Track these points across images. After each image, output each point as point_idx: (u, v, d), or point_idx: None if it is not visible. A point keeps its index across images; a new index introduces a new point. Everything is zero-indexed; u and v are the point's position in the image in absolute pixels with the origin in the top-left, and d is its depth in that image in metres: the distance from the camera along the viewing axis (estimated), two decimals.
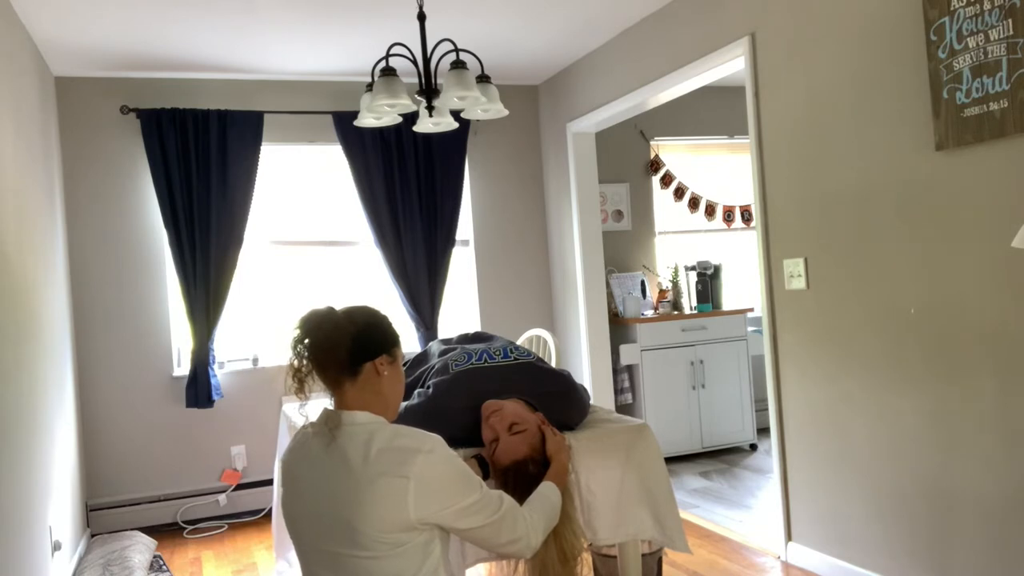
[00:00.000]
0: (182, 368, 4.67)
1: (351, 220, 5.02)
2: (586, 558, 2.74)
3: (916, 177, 2.75)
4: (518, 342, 3.50)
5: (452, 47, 2.97)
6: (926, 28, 2.62)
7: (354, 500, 1.54)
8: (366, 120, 3.06)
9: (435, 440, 1.61)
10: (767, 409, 3.57)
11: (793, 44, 3.24)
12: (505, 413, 2.08)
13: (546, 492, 1.91)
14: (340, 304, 1.73)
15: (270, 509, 4.61)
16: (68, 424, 3.98)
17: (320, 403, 1.73)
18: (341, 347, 1.63)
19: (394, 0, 3.68)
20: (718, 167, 6.06)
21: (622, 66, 4.44)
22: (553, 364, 3.55)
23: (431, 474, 1.57)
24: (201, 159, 4.56)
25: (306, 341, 1.64)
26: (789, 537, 3.46)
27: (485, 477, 2.09)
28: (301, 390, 1.65)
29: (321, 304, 1.71)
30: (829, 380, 3.18)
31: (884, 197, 2.88)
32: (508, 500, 1.73)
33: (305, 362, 1.64)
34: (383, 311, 1.74)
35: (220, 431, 4.70)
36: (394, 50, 4.10)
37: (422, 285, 4.97)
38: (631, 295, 5.40)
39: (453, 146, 5.04)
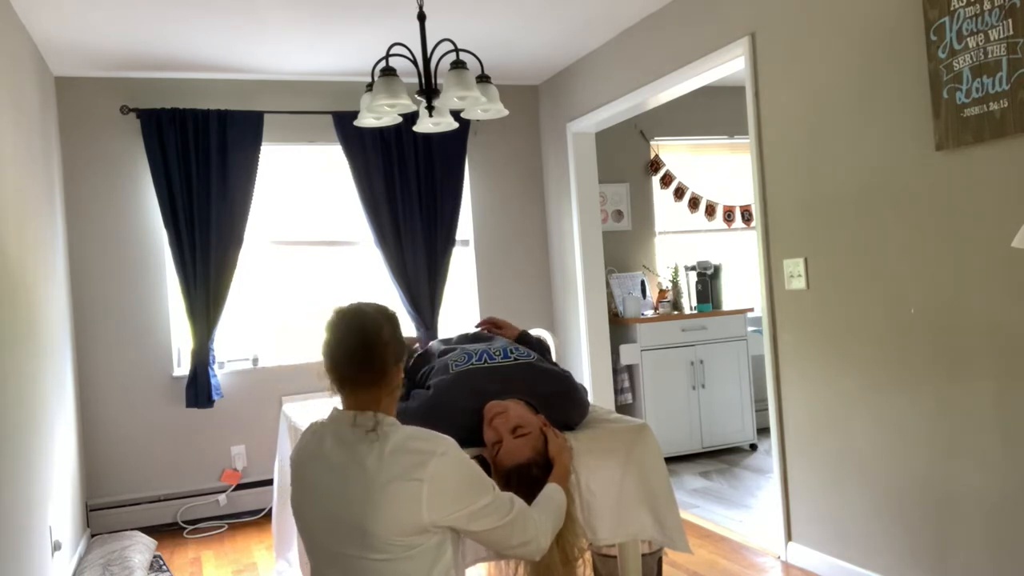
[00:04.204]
0: (182, 368, 4.67)
1: (351, 220, 5.02)
2: (586, 558, 2.74)
3: (916, 177, 2.75)
4: None
5: (452, 47, 2.97)
6: (926, 28, 2.62)
7: (367, 503, 1.54)
8: (366, 120, 3.06)
9: (448, 442, 1.61)
10: (767, 409, 3.57)
11: (793, 44, 3.24)
12: (509, 416, 2.07)
13: (552, 494, 1.91)
14: (340, 303, 1.73)
15: (270, 509, 4.60)
16: (68, 424, 3.98)
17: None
18: (388, 350, 1.65)
19: (394, 0, 3.68)
20: (718, 167, 6.06)
21: (622, 66, 4.44)
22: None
23: (445, 477, 1.56)
24: (201, 159, 4.55)
25: (351, 344, 1.64)
26: (789, 537, 3.46)
27: None
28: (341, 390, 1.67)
29: (346, 304, 1.71)
30: (829, 380, 3.18)
31: (884, 197, 2.88)
32: (519, 502, 1.73)
33: (344, 364, 1.64)
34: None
35: (220, 431, 4.69)
36: (394, 50, 4.09)
37: (422, 285, 4.97)
38: (631, 295, 5.40)
39: (453, 146, 5.04)
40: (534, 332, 4.03)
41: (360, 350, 1.63)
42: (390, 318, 1.70)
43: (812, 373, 3.27)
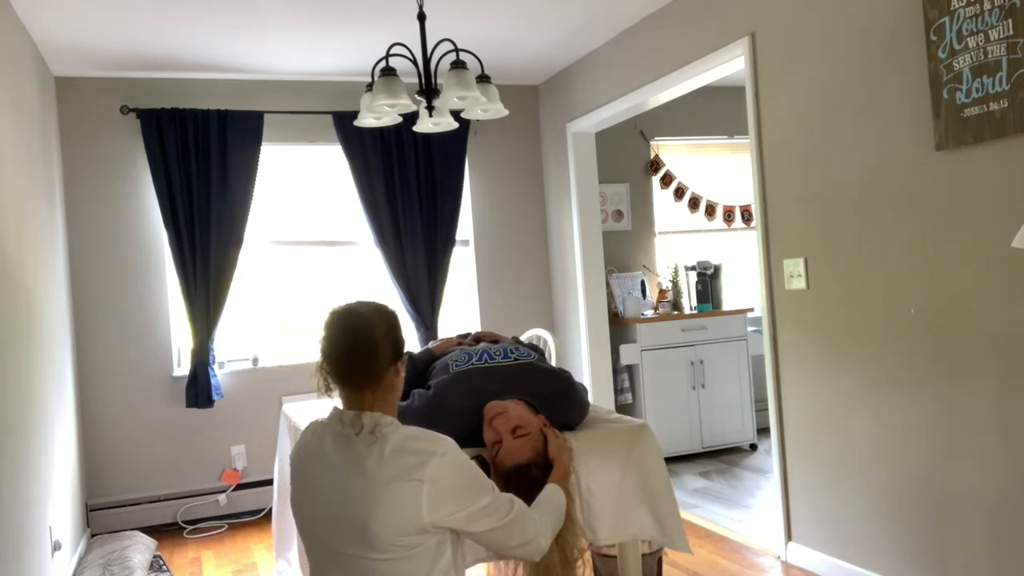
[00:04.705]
0: (182, 368, 4.67)
1: (351, 220, 5.02)
2: (586, 558, 2.74)
3: (916, 177, 2.75)
4: None
5: (452, 47, 2.97)
6: (926, 28, 2.62)
7: (368, 502, 1.54)
8: (366, 120, 3.06)
9: (448, 443, 1.61)
10: (767, 409, 3.57)
11: (793, 44, 3.24)
12: (509, 416, 2.07)
13: (552, 495, 1.91)
14: (339, 303, 1.72)
15: (270, 509, 4.61)
16: (68, 424, 3.98)
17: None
18: (382, 350, 1.64)
19: (394, 0, 3.68)
20: (718, 167, 6.06)
21: (622, 66, 4.44)
22: (553, 364, 3.55)
23: (445, 477, 1.57)
24: (201, 159, 4.55)
25: (345, 344, 1.63)
26: (789, 537, 3.46)
27: None
28: (331, 389, 1.66)
29: (343, 304, 1.71)
30: (829, 380, 3.18)
31: (884, 197, 2.88)
32: (519, 503, 1.73)
33: (339, 364, 1.64)
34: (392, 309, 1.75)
35: (220, 431, 4.69)
36: (394, 50, 4.10)
37: (422, 285, 4.97)
38: (631, 295, 5.40)
39: (453, 146, 5.04)
40: (534, 332, 4.04)
41: (351, 351, 1.63)
42: (387, 318, 1.69)
43: (812, 373, 3.27)
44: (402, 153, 4.93)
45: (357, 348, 1.62)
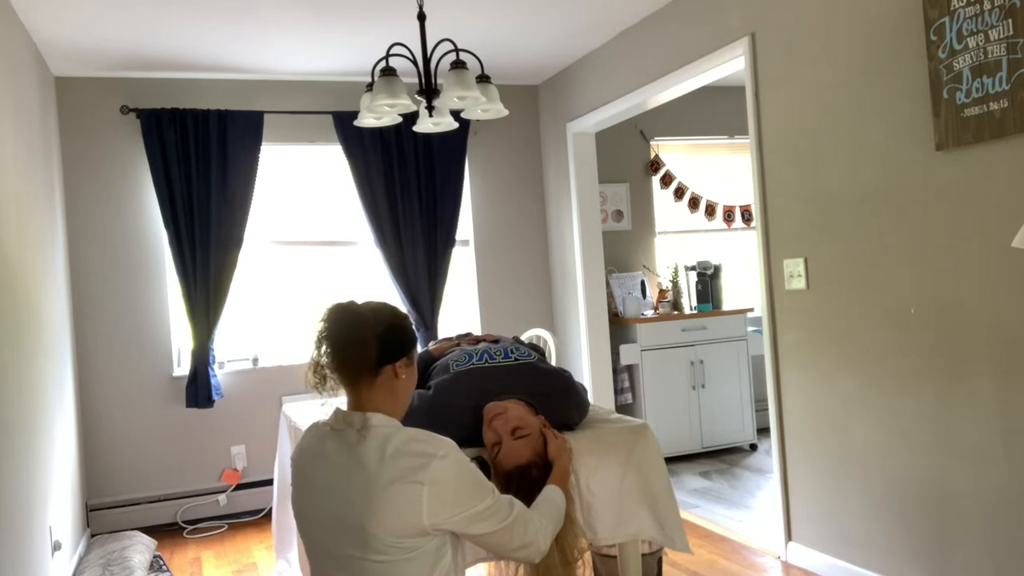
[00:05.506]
0: (182, 368, 4.67)
1: (351, 220, 5.02)
2: (586, 558, 2.74)
3: (916, 177, 2.75)
4: None
5: (452, 47, 2.97)
6: (926, 28, 2.62)
7: (368, 504, 1.54)
8: (366, 120, 3.06)
9: (449, 445, 1.61)
10: (767, 409, 3.57)
11: (793, 44, 3.24)
12: (509, 416, 2.07)
13: (552, 496, 1.91)
14: (357, 299, 1.72)
15: (270, 509, 4.61)
16: (68, 424, 3.98)
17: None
18: (368, 347, 1.62)
19: (394, 0, 3.68)
20: (718, 167, 6.06)
21: (622, 66, 4.44)
22: (553, 364, 3.54)
23: (445, 479, 1.56)
24: (201, 159, 4.55)
25: (332, 338, 1.63)
26: (789, 537, 3.46)
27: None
28: (322, 385, 1.65)
29: (344, 299, 1.70)
30: (829, 380, 3.18)
31: (884, 197, 2.88)
32: (518, 505, 1.72)
33: (327, 358, 1.63)
34: (401, 309, 1.73)
35: (220, 431, 4.69)
36: (394, 50, 4.10)
37: (422, 285, 4.97)
38: (631, 295, 5.40)
39: (453, 146, 5.04)
40: (534, 332, 4.04)
41: (337, 345, 1.62)
42: (385, 316, 1.67)
43: (812, 373, 3.27)
44: (402, 153, 4.93)
45: (343, 344, 1.62)
